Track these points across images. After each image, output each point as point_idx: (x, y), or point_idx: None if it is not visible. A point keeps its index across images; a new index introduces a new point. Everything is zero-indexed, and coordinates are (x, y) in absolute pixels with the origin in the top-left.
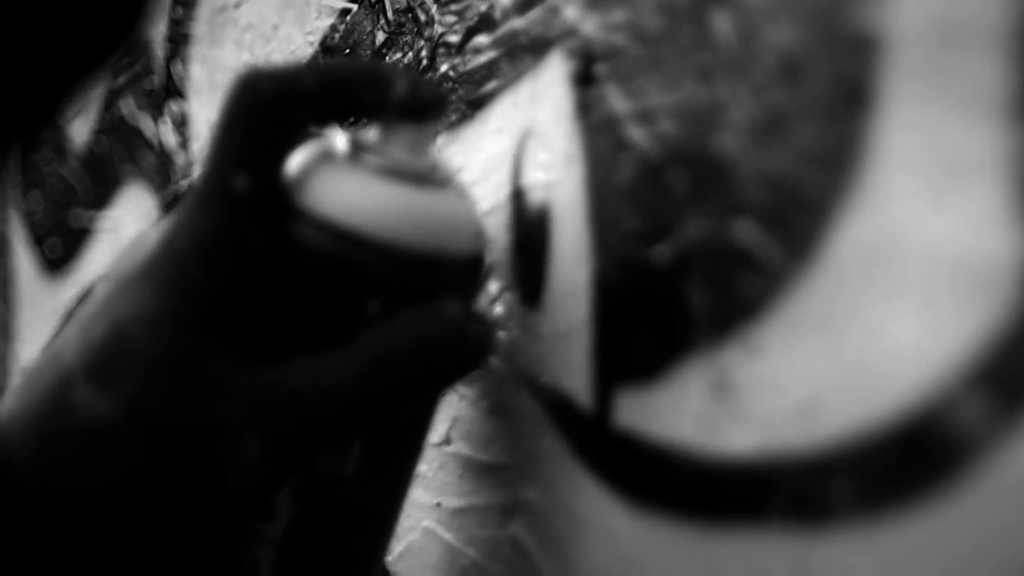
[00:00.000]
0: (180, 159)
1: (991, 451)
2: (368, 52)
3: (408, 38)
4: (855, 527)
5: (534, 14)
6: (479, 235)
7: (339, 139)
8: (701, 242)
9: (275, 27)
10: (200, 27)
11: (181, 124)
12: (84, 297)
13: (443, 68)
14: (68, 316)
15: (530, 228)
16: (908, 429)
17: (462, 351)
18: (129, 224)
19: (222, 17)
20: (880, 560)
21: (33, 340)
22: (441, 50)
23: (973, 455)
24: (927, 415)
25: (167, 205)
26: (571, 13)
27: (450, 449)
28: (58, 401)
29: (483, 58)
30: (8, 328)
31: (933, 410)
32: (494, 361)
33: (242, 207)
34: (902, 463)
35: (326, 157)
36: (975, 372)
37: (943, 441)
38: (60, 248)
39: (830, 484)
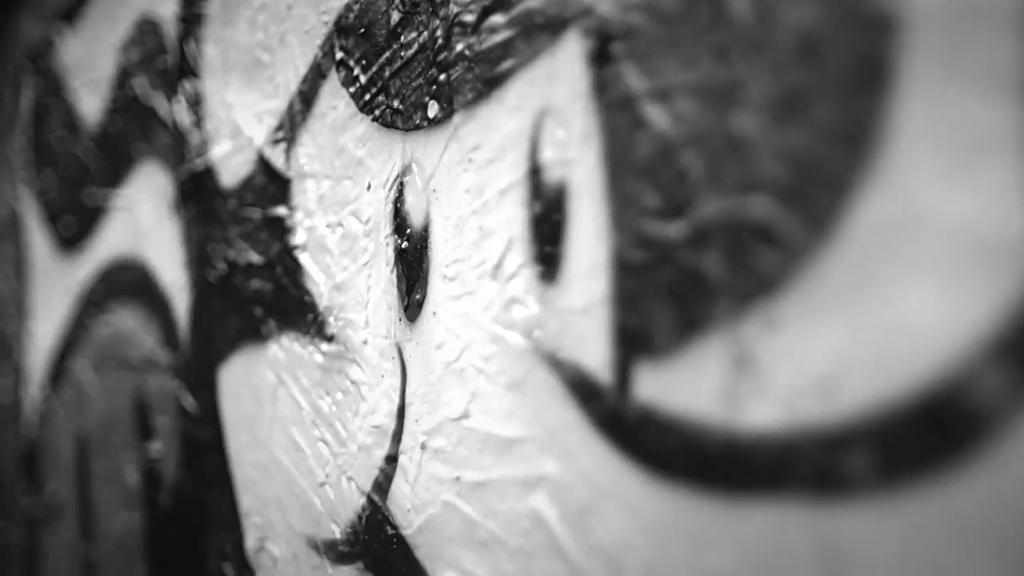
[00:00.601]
0: (194, 138)
1: (1010, 424)
2: (383, 32)
3: (423, 17)
4: (876, 499)
5: None
6: None
7: None
8: (719, 218)
9: (289, 7)
10: (214, 7)
11: (195, 103)
12: (100, 277)
13: (459, 47)
14: (83, 296)
15: (547, 205)
16: (928, 402)
17: None
18: (143, 202)
19: None
20: (900, 531)
21: (47, 318)
22: (456, 29)
23: (992, 428)
24: (947, 389)
25: (181, 184)
26: None
27: (469, 423)
28: None
29: (499, 37)
30: (22, 306)
31: (953, 384)
32: (514, 337)
33: None
34: (922, 436)
35: None
36: (995, 346)
37: (963, 414)
38: (74, 226)
39: (851, 457)
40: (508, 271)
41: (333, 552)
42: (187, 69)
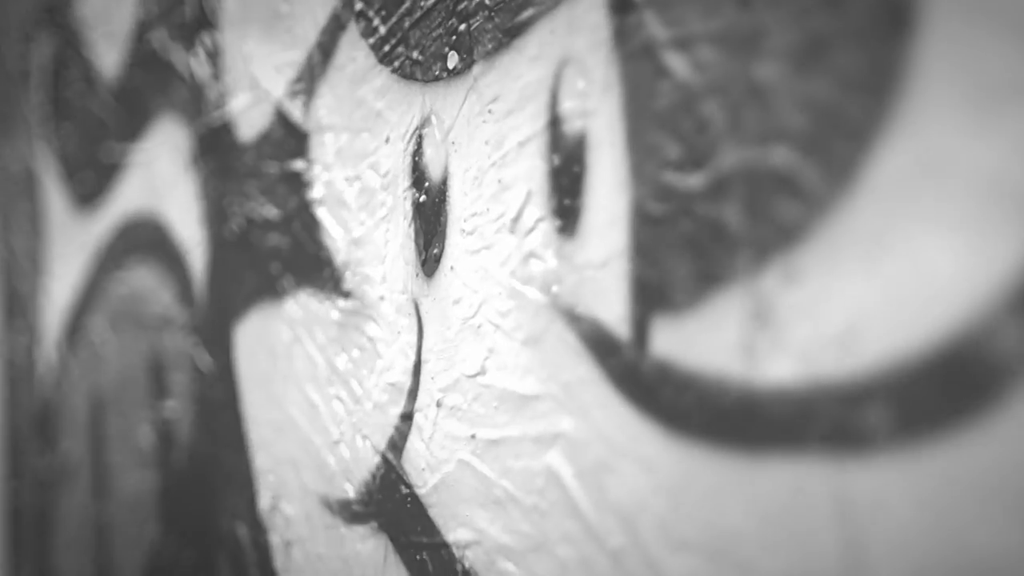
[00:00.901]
0: (212, 91)
1: None
2: None
3: None
4: (894, 453)
5: None
6: None
7: None
8: (740, 169)
9: None
10: None
11: (213, 56)
12: (116, 234)
13: None
14: (99, 253)
15: (567, 157)
16: (947, 355)
17: None
18: (160, 157)
19: None
20: (918, 485)
21: (63, 275)
22: None
23: (1012, 381)
24: (967, 341)
25: (199, 138)
26: None
27: (485, 380)
28: None
29: None
30: (38, 263)
31: (973, 336)
32: (531, 292)
33: None
34: (941, 389)
35: None
36: (1016, 299)
37: (982, 367)
38: (91, 182)
39: (869, 411)
40: (526, 225)
41: (347, 511)
42: (205, 21)
